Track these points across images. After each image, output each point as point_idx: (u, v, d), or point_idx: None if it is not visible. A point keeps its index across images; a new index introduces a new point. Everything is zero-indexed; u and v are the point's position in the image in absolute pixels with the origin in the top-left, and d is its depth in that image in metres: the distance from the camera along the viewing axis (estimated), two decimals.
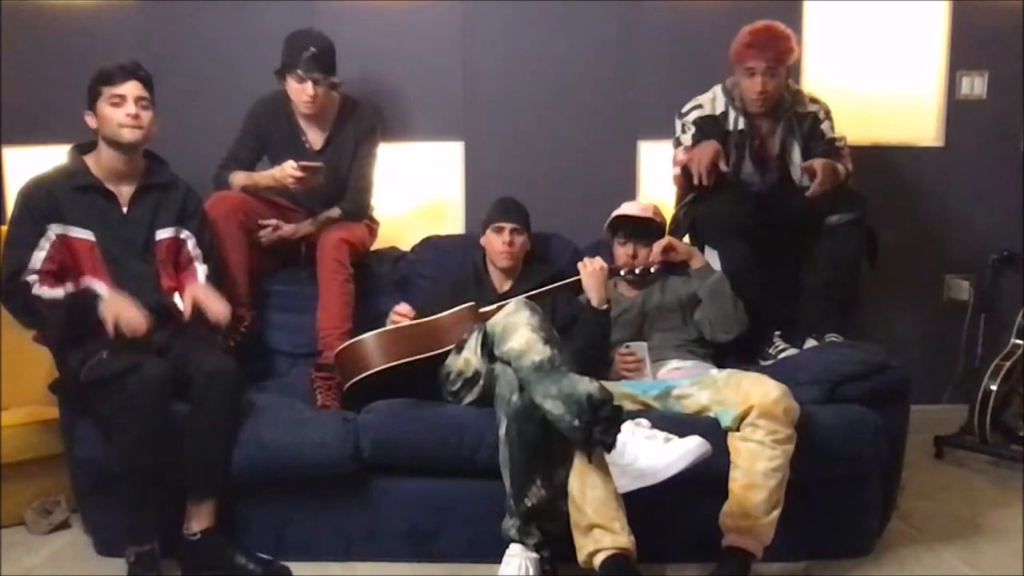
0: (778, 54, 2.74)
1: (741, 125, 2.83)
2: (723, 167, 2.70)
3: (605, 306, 2.54)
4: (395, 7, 3.33)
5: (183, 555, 2.25)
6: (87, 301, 2.28)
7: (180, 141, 3.12)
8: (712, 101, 2.86)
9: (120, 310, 2.24)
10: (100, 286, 2.31)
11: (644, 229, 2.73)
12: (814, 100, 2.93)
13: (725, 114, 2.85)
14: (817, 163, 2.69)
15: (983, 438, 3.05)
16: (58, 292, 2.30)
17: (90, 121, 2.41)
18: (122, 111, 2.36)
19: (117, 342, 2.23)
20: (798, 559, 2.33)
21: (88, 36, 3.25)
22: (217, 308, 2.37)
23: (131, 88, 2.37)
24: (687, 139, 2.84)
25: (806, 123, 2.87)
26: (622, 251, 2.73)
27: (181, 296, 2.46)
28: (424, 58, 3.34)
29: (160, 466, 2.19)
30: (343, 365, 2.52)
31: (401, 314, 2.58)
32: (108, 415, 2.21)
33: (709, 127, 2.82)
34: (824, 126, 2.89)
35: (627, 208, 2.78)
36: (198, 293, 2.39)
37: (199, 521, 2.24)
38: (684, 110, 2.88)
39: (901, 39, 3.40)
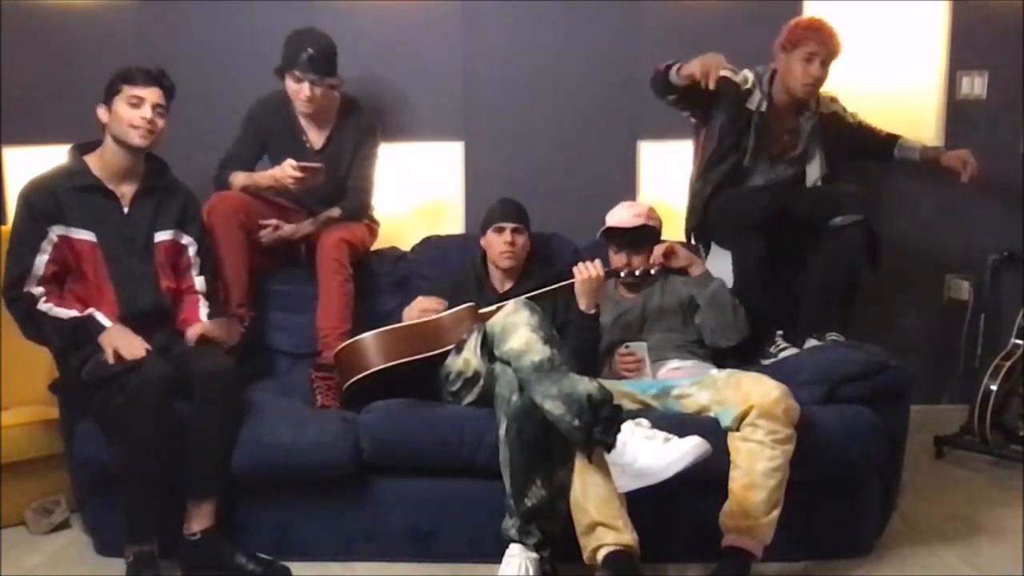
0: (836, 46, 2.79)
1: (764, 108, 2.84)
2: (725, 74, 2.69)
3: (593, 311, 2.53)
4: (395, 7, 3.33)
5: (183, 555, 2.25)
6: (90, 329, 2.28)
7: (180, 141, 3.12)
8: (744, 78, 2.85)
9: (120, 342, 2.24)
10: (103, 317, 2.31)
11: (638, 237, 2.69)
12: (833, 99, 2.99)
13: (750, 91, 2.84)
14: (964, 154, 2.96)
15: (983, 438, 3.05)
16: (62, 312, 2.30)
17: (101, 114, 2.40)
18: (138, 113, 2.36)
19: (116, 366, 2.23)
20: (798, 559, 2.33)
21: (88, 36, 3.25)
22: (221, 336, 2.40)
23: (152, 94, 2.38)
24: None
25: (831, 123, 2.93)
26: (616, 259, 2.71)
27: (179, 308, 2.50)
28: (424, 58, 3.34)
29: (161, 466, 2.19)
30: (342, 365, 2.52)
31: (428, 309, 2.57)
32: (109, 415, 2.21)
33: (732, 92, 2.81)
34: (847, 118, 2.99)
35: (619, 218, 2.73)
36: (199, 329, 2.40)
37: (199, 521, 2.24)
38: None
39: (901, 39, 3.39)
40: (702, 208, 2.92)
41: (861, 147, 3.06)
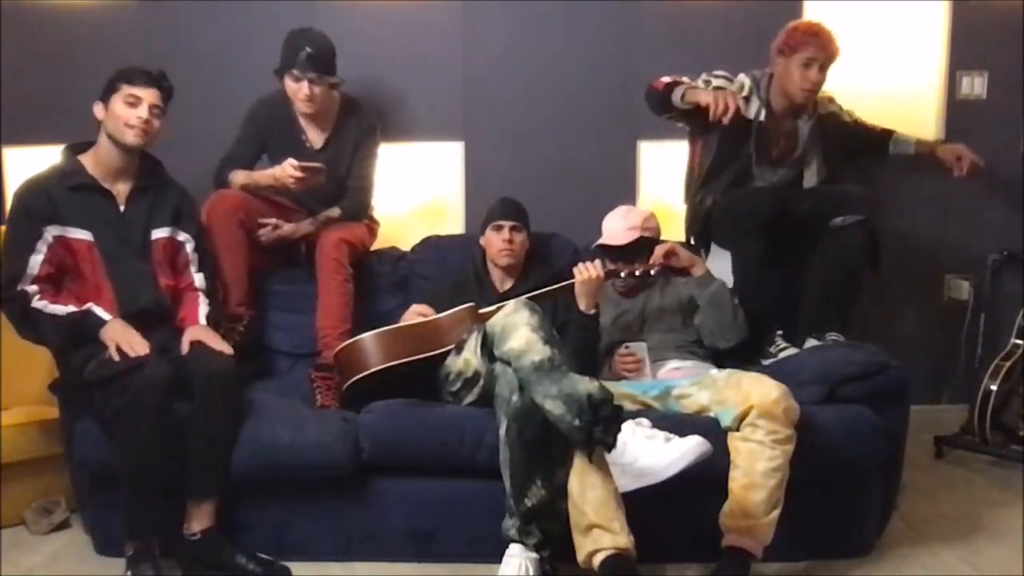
0: (835, 50, 2.77)
1: (762, 117, 2.83)
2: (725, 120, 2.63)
3: (593, 311, 2.52)
4: (395, 7, 3.33)
5: (183, 555, 2.25)
6: (89, 324, 2.28)
7: (180, 141, 3.11)
8: (740, 85, 2.83)
9: (122, 337, 2.25)
10: (102, 311, 2.31)
11: (631, 250, 2.68)
12: (831, 100, 2.99)
13: (747, 99, 2.82)
14: (959, 148, 2.95)
15: (983, 438, 3.05)
16: (59, 309, 2.30)
17: (97, 111, 2.40)
18: (134, 113, 2.36)
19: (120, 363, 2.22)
20: (798, 559, 2.33)
21: (88, 36, 3.25)
22: (218, 349, 2.37)
23: (150, 95, 2.38)
24: (699, 85, 2.78)
25: (829, 123, 2.93)
26: (611, 267, 2.71)
27: (178, 306, 2.50)
28: (424, 58, 3.34)
29: (161, 466, 2.19)
30: (342, 365, 2.52)
31: (421, 314, 2.57)
32: (111, 414, 2.21)
33: None
34: (844, 116, 2.99)
35: (613, 231, 2.73)
36: (199, 336, 2.39)
37: (199, 521, 2.24)
38: (712, 73, 2.83)
39: (901, 39, 3.39)
40: (704, 217, 2.92)
41: (858, 145, 3.06)
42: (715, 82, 2.80)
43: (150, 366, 2.19)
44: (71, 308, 2.31)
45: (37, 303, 2.30)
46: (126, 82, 2.37)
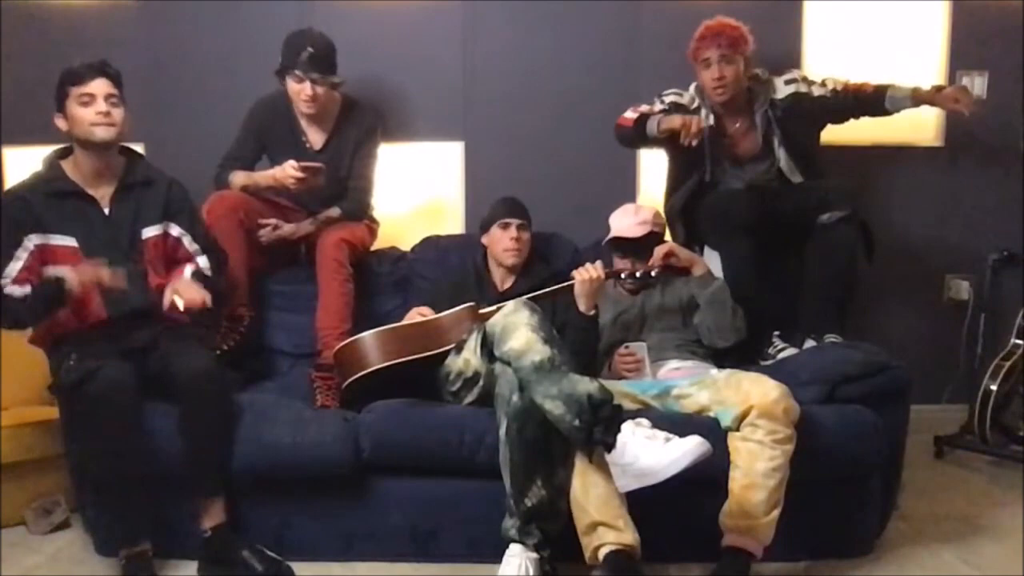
0: (731, 41, 2.77)
1: (711, 122, 2.85)
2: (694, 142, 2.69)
3: (592, 312, 2.53)
4: (395, 7, 3.34)
5: (199, 551, 2.26)
6: (52, 284, 2.25)
7: (180, 141, 3.12)
8: (691, 98, 2.89)
9: (86, 276, 2.22)
10: (60, 268, 2.27)
11: (644, 244, 2.71)
12: (790, 81, 2.90)
13: (697, 109, 2.86)
14: (955, 91, 2.83)
15: (983, 438, 3.05)
16: (26, 288, 2.27)
17: (60, 123, 2.37)
18: (92, 109, 2.32)
19: (94, 335, 2.22)
20: (798, 559, 2.33)
21: (88, 36, 3.25)
22: (191, 295, 2.30)
23: (100, 86, 2.33)
24: (656, 108, 2.85)
25: (792, 104, 2.86)
26: (621, 263, 2.72)
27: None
28: (424, 58, 3.34)
29: (135, 469, 2.17)
30: (342, 364, 2.51)
31: (421, 315, 2.57)
32: (77, 420, 2.21)
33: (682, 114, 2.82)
34: (814, 90, 2.89)
35: (624, 226, 2.74)
36: (178, 287, 2.34)
37: (210, 518, 2.25)
38: (663, 93, 2.91)
39: (901, 39, 3.40)
40: (681, 224, 2.94)
41: (849, 110, 2.95)
42: (668, 99, 2.87)
43: (104, 371, 2.15)
44: (33, 281, 2.28)
45: (8, 289, 2.27)
46: (73, 83, 2.33)
